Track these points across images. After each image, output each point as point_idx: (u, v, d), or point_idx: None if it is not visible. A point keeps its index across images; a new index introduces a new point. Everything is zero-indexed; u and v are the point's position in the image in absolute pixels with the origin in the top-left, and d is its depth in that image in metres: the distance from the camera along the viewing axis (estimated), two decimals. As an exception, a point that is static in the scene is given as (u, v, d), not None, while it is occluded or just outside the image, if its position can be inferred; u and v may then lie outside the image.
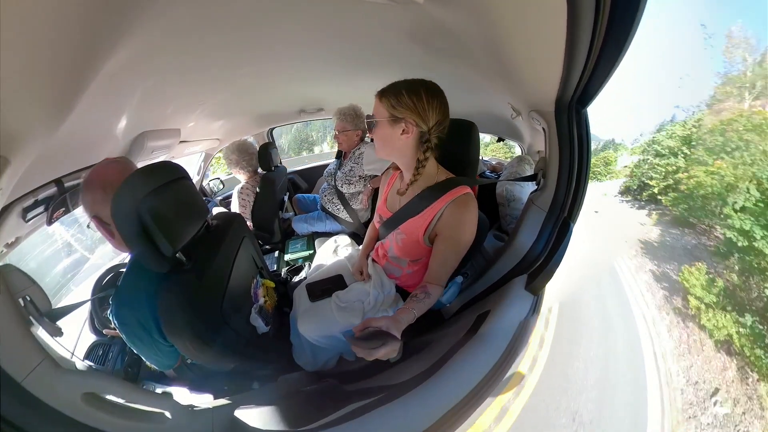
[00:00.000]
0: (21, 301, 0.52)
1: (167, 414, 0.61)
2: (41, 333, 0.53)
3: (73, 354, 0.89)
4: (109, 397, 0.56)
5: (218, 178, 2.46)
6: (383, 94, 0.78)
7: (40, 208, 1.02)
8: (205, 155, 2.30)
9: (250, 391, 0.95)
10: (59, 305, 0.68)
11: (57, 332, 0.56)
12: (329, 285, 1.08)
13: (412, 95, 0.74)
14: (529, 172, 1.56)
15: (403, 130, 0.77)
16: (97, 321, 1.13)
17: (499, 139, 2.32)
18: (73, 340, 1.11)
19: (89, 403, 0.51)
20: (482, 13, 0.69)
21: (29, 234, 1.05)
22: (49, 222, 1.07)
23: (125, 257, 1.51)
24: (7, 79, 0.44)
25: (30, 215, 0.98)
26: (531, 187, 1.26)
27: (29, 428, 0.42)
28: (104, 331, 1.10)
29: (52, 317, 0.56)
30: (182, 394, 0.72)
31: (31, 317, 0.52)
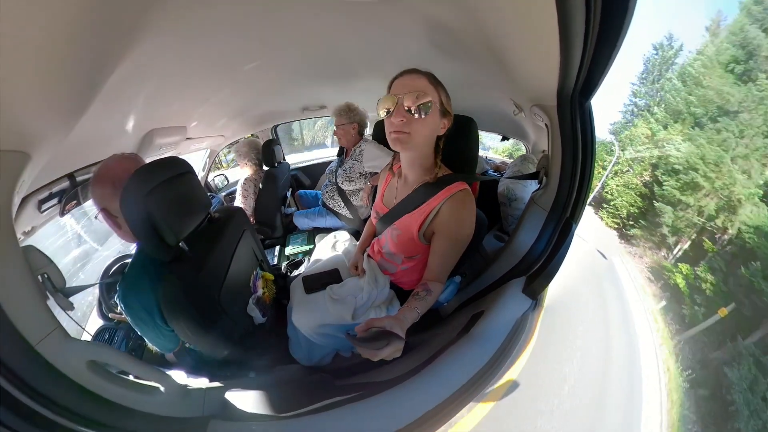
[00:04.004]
0: (39, 277, 0.57)
1: (161, 388, 0.65)
2: (55, 307, 0.58)
3: (84, 330, 0.95)
4: (111, 368, 0.60)
5: (223, 174, 2.52)
6: (436, 83, 0.75)
7: (54, 200, 1.08)
8: (210, 152, 2.36)
9: (244, 379, 0.98)
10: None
11: (69, 306, 0.61)
12: (325, 278, 1.10)
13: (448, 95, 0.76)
14: (533, 171, 1.55)
15: (443, 125, 0.78)
16: (105, 306, 1.19)
17: (503, 138, 2.32)
18: (83, 324, 1.17)
19: (92, 370, 0.55)
20: (473, 5, 0.69)
21: (44, 224, 1.11)
22: (62, 213, 1.14)
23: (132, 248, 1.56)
24: (28, 85, 0.49)
25: (45, 207, 1.04)
26: (533, 186, 1.23)
27: (38, 387, 0.47)
28: (110, 315, 1.16)
29: (65, 293, 0.61)
30: (180, 376, 0.76)
31: (47, 292, 0.57)
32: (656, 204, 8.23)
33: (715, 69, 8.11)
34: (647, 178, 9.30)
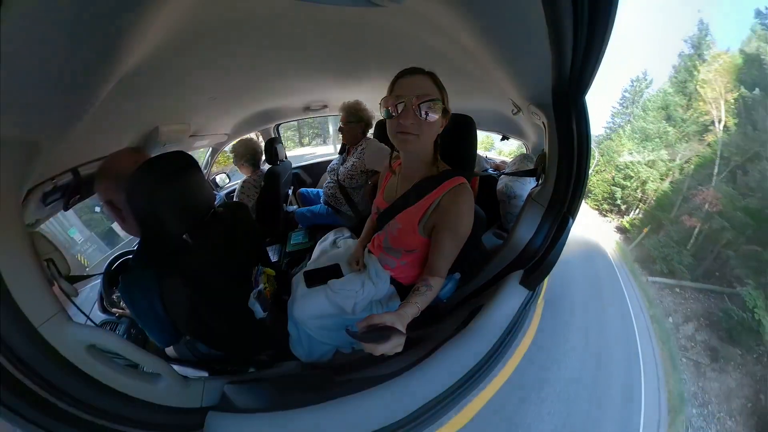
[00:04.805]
0: (45, 262, 0.58)
1: (162, 378, 0.66)
2: (59, 292, 0.59)
3: (88, 318, 0.96)
4: (111, 354, 0.60)
5: (224, 173, 2.54)
6: (439, 83, 0.75)
7: (58, 194, 1.09)
8: (212, 150, 2.38)
9: (243, 373, 0.98)
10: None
11: (73, 292, 0.62)
12: (326, 273, 1.10)
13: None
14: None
15: (442, 124, 0.79)
16: (106, 300, 1.20)
17: (503, 138, 2.33)
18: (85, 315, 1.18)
19: (92, 355, 0.56)
20: (471, 10, 0.71)
21: (48, 217, 1.12)
22: (66, 207, 1.15)
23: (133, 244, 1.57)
24: (39, 75, 0.50)
25: (49, 200, 1.05)
26: (532, 183, 1.24)
27: (39, 369, 0.47)
28: (112, 310, 1.16)
29: (69, 280, 0.62)
30: (180, 369, 0.76)
31: (52, 277, 0.58)
32: (612, 188, 14.99)
33: (656, 109, 13.77)
34: (613, 174, 15.33)
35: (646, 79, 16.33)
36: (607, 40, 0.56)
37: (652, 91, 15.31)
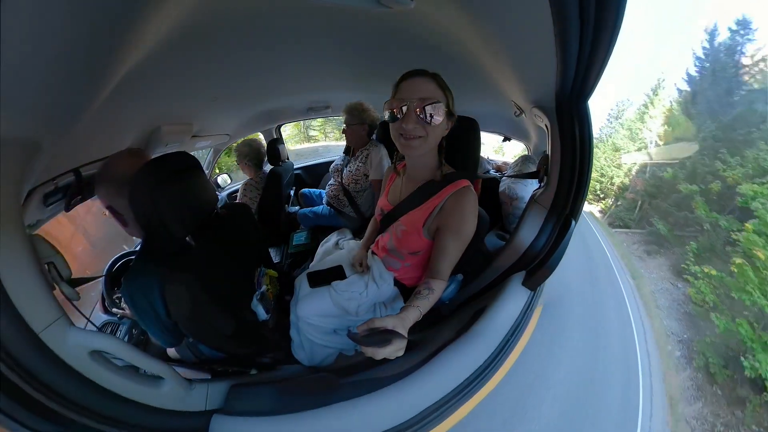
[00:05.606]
0: (46, 266, 0.57)
1: (165, 381, 0.65)
2: (60, 296, 0.58)
3: (89, 321, 0.95)
4: (113, 359, 0.60)
5: (226, 173, 2.54)
6: (444, 85, 0.74)
7: (59, 195, 1.08)
8: (213, 150, 2.37)
9: (246, 376, 0.97)
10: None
11: (75, 296, 0.61)
12: (329, 275, 1.10)
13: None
14: (533, 171, 1.56)
15: (447, 127, 0.77)
16: (108, 301, 1.19)
17: (505, 138, 2.33)
18: (86, 318, 1.17)
19: (95, 360, 0.55)
20: (472, 12, 0.71)
21: (49, 218, 1.12)
22: (67, 208, 1.14)
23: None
24: (42, 79, 0.50)
25: (50, 201, 1.04)
26: (534, 185, 1.26)
27: (40, 375, 0.46)
28: (113, 310, 1.16)
29: (71, 283, 0.61)
30: (183, 371, 0.76)
31: (53, 280, 0.58)
32: (594, 183, 19.28)
33: (625, 129, 19.78)
34: (595, 173, 19.36)
35: (629, 100, 21.76)
36: (611, 51, 0.57)
37: (631, 112, 20.99)
